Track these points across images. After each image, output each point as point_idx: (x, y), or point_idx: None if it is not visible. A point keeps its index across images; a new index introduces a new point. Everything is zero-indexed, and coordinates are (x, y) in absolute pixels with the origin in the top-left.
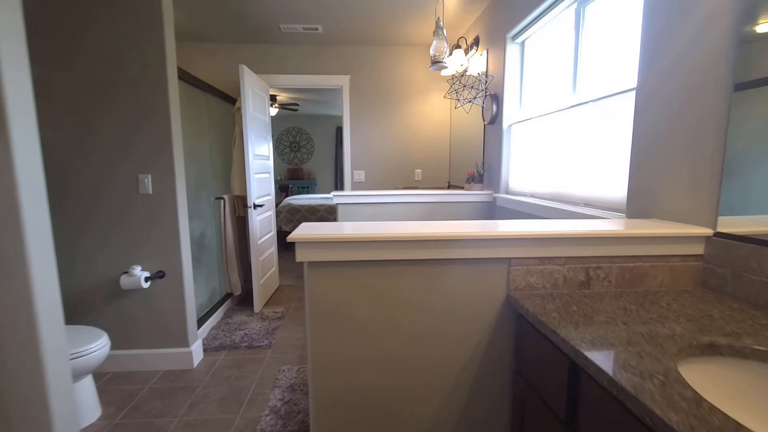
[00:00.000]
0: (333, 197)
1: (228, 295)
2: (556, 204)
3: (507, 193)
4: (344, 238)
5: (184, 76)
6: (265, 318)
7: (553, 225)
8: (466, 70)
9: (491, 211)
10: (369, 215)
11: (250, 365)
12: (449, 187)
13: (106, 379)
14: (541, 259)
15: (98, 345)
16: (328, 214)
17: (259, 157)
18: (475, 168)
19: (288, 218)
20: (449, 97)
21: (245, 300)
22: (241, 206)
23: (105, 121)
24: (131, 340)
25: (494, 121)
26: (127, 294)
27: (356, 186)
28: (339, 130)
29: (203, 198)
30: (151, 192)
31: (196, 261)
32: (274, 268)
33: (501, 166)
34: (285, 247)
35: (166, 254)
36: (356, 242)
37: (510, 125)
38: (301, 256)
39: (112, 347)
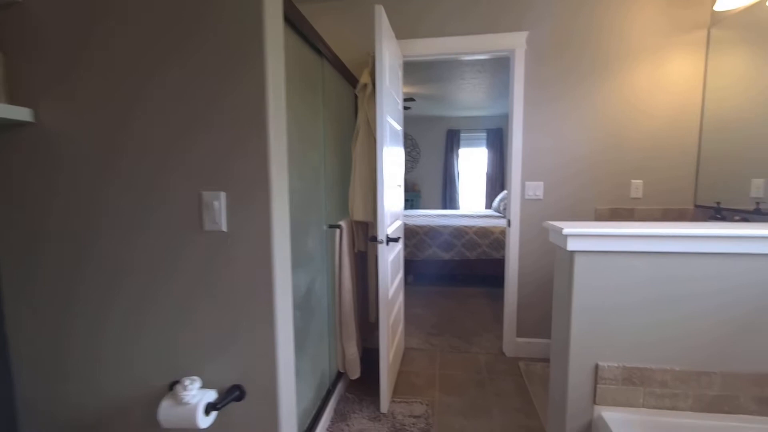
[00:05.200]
0: (566, 236)
1: (339, 376)
2: None
3: None
4: None
5: (291, 13)
6: (401, 429)
7: None
8: None
9: None
10: (647, 279)
11: None
12: (716, 210)
13: None
14: None
15: None
16: (480, 238)
17: (393, 164)
18: None
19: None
20: None
21: (360, 381)
22: (361, 238)
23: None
24: None
25: None
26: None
27: (530, 205)
28: (450, 134)
29: (312, 227)
30: (224, 228)
31: (300, 336)
32: (401, 326)
33: None
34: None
35: (247, 353)
36: None
37: None
38: None
39: None
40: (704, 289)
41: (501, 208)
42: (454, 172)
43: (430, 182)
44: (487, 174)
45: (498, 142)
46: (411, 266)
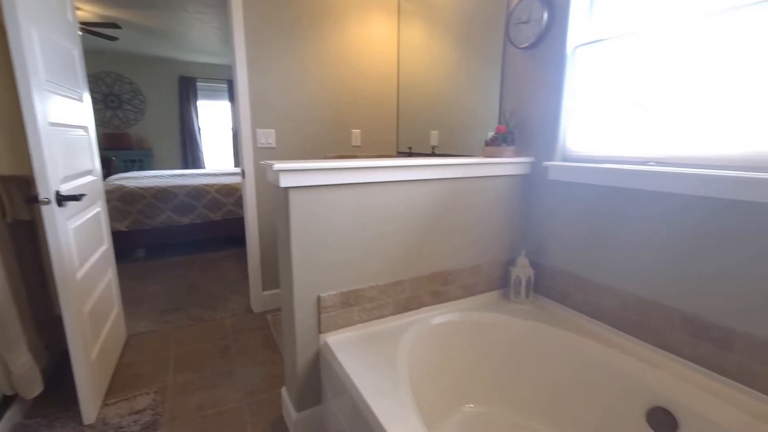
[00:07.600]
0: (277, 172)
1: (9, 401)
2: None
3: (566, 159)
4: None
5: None
6: None
7: None
8: None
9: (536, 189)
10: (354, 208)
11: None
12: (408, 155)
13: None
14: None
15: None
16: (223, 197)
17: (59, 89)
18: (504, 121)
19: (122, 210)
20: None
21: (52, 395)
22: (19, 201)
23: None
24: None
25: (539, 42)
26: None
27: (263, 154)
28: (185, 83)
29: None
30: None
31: None
32: (116, 310)
33: (556, 119)
34: (123, 254)
35: None
36: None
37: (576, 48)
38: None
39: None
40: (395, 212)
41: None
42: (194, 127)
43: (166, 139)
44: (233, 130)
45: None
46: (141, 237)
